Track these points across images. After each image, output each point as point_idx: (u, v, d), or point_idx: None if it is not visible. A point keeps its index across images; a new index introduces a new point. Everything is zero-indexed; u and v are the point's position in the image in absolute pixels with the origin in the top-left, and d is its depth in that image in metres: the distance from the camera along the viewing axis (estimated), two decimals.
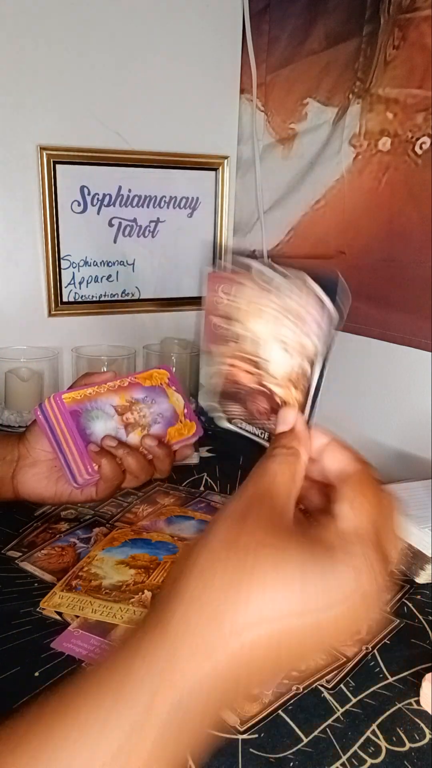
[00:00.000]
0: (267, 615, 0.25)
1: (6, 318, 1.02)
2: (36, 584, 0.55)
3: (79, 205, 1.01)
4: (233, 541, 0.27)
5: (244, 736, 0.40)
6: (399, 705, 0.43)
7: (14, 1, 0.89)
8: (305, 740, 0.40)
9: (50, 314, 1.04)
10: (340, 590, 0.26)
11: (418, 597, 0.56)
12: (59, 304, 1.04)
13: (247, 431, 0.41)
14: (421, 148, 0.74)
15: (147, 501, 0.72)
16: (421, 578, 0.58)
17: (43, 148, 0.95)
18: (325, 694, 0.44)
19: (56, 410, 0.59)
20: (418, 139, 0.74)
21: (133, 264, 1.09)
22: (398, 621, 0.53)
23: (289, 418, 0.35)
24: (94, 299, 1.07)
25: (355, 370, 0.89)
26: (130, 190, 1.04)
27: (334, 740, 0.40)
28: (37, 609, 0.52)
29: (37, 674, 0.44)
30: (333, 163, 0.88)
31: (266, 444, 0.38)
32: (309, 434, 0.34)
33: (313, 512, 0.35)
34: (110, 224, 1.05)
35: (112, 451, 0.59)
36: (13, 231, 0.99)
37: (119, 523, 0.67)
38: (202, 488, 0.76)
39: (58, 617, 0.51)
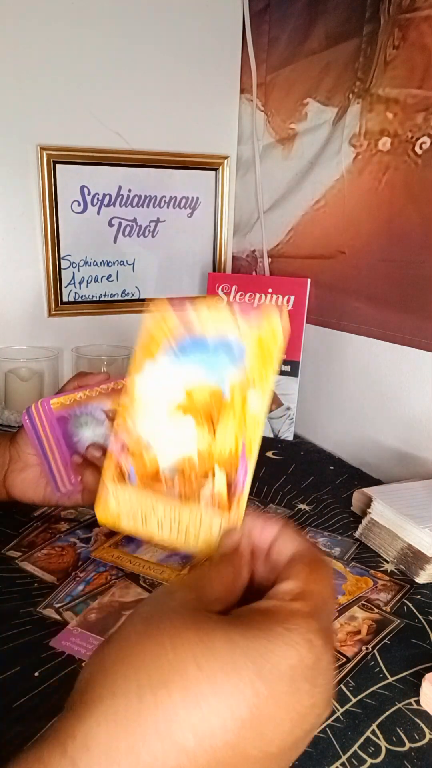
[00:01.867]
0: (194, 727, 0.21)
1: (6, 318, 1.02)
2: (36, 584, 0.55)
3: (79, 205, 1.01)
4: (149, 634, 0.23)
5: None
6: (399, 705, 0.43)
7: (14, 1, 0.89)
8: None
9: (50, 314, 1.04)
10: (280, 674, 0.22)
11: (418, 597, 0.56)
12: (59, 304, 1.04)
13: None
14: (421, 148, 0.74)
15: None
16: (421, 578, 0.58)
17: (43, 148, 0.95)
18: None
19: (43, 417, 0.58)
20: (418, 139, 0.74)
21: (133, 264, 1.09)
22: (398, 621, 0.53)
23: (234, 539, 0.32)
24: (94, 299, 1.07)
25: (355, 370, 0.89)
26: (130, 190, 1.04)
27: (333, 740, 0.40)
28: (38, 609, 0.52)
29: (37, 674, 0.44)
30: (333, 163, 0.88)
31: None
32: (247, 552, 0.32)
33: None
34: (110, 224, 1.05)
35: (96, 462, 0.57)
36: (13, 231, 0.99)
37: None
38: None
39: (58, 617, 0.51)
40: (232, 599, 0.28)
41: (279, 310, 0.33)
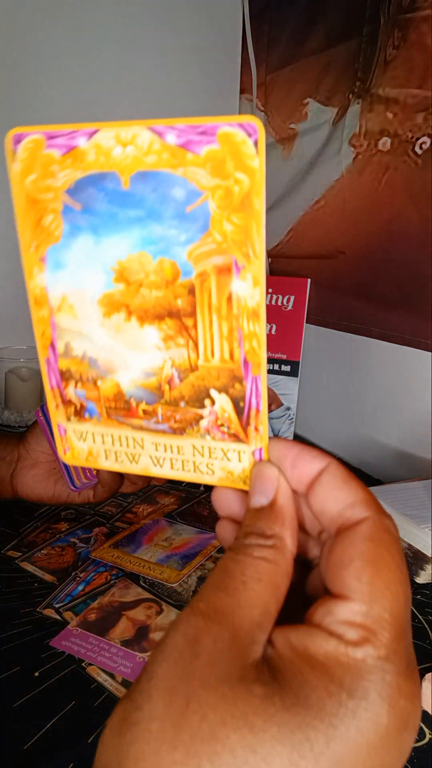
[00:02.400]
0: None
1: (6, 318, 1.02)
2: (36, 584, 0.55)
3: None
4: (177, 724, 0.17)
5: None
6: None
7: (14, 1, 0.89)
8: None
9: None
10: (356, 761, 0.17)
11: (418, 597, 0.56)
12: None
13: None
14: (421, 148, 0.74)
15: (147, 500, 0.72)
16: (421, 578, 0.58)
17: None
18: None
19: None
20: (418, 139, 0.74)
21: None
22: None
23: (267, 485, 0.23)
24: None
25: (355, 370, 0.89)
26: None
27: None
28: (37, 609, 0.52)
29: (37, 674, 0.44)
30: (333, 163, 0.88)
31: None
32: (294, 504, 0.23)
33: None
34: None
35: None
36: (13, 231, 0.98)
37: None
38: (202, 488, 0.76)
39: (58, 617, 0.51)
40: (275, 614, 0.21)
41: (248, 131, 0.20)
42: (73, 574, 0.57)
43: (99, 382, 0.26)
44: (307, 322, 0.96)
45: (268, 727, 0.17)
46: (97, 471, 0.60)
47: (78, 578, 0.56)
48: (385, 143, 0.79)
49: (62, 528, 0.65)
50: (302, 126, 0.94)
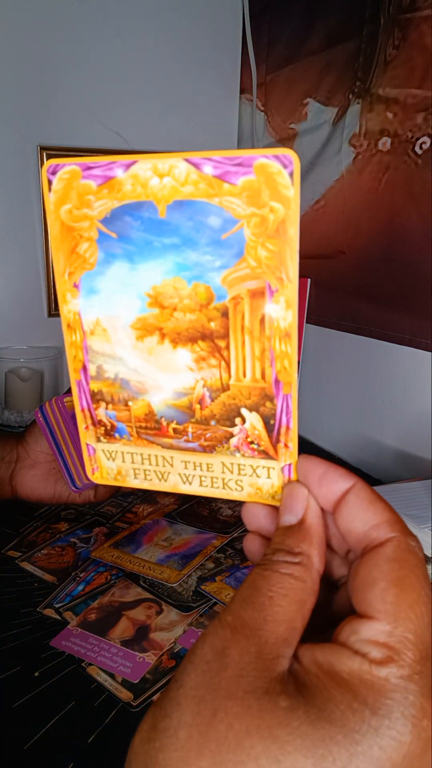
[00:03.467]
0: None
1: (6, 318, 1.02)
2: (36, 584, 0.55)
3: None
4: (204, 732, 0.18)
5: None
6: None
7: (14, 1, 0.89)
8: None
9: (50, 314, 1.04)
10: None
11: None
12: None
13: None
14: (421, 148, 0.74)
15: (147, 500, 0.72)
16: None
17: (43, 148, 0.95)
18: None
19: (57, 414, 0.59)
20: (418, 139, 0.74)
21: None
22: None
23: (297, 505, 0.24)
24: None
25: (355, 370, 0.89)
26: None
27: None
28: (37, 609, 0.52)
29: (37, 674, 0.44)
30: (333, 163, 0.88)
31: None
32: (323, 524, 0.24)
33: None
34: None
35: None
36: (12, 231, 0.99)
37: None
38: None
39: (58, 617, 0.51)
40: (301, 630, 0.21)
41: (284, 163, 0.21)
42: (73, 574, 0.57)
43: (130, 403, 0.27)
44: (307, 322, 0.96)
45: (291, 739, 0.17)
46: None
47: (78, 578, 0.56)
48: (385, 143, 0.79)
49: (62, 528, 0.65)
50: (302, 126, 0.94)
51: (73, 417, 0.60)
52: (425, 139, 0.73)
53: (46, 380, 1.01)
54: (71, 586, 0.55)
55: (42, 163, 0.96)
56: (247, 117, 1.07)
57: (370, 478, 0.84)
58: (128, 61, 0.99)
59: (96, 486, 0.61)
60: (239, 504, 0.77)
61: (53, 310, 1.04)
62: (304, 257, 0.97)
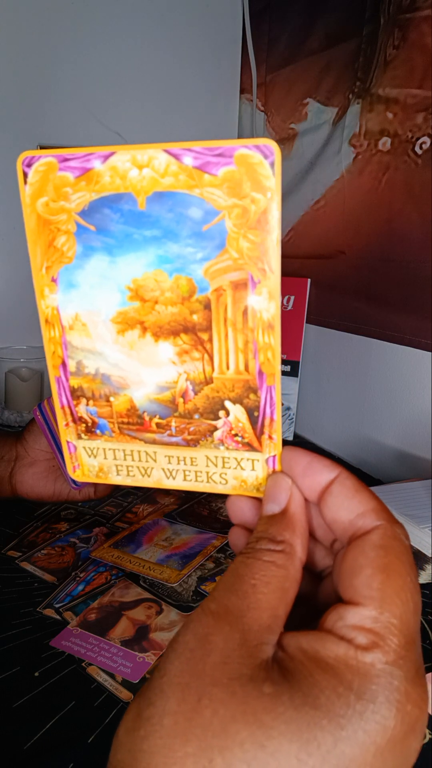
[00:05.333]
0: None
1: (6, 318, 1.02)
2: (36, 584, 0.55)
3: None
4: (189, 718, 0.18)
5: None
6: None
7: (14, 1, 0.89)
8: None
9: None
10: (363, 764, 0.18)
11: None
12: None
13: None
14: (421, 148, 0.74)
15: (147, 500, 0.72)
16: (422, 578, 0.58)
17: (43, 148, 0.95)
18: None
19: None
20: (418, 139, 0.74)
21: None
22: None
23: (281, 494, 0.24)
24: None
25: (355, 370, 0.89)
26: None
27: None
28: (37, 609, 0.52)
29: (37, 674, 0.44)
30: (333, 163, 0.88)
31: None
32: (306, 513, 0.24)
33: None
34: None
35: None
36: (12, 231, 0.99)
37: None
38: None
39: (58, 617, 0.51)
40: (284, 618, 0.21)
41: (265, 153, 0.21)
42: (73, 574, 0.57)
43: (111, 399, 0.27)
44: (307, 322, 0.96)
45: (276, 724, 0.18)
46: None
47: (78, 578, 0.56)
48: (385, 143, 0.79)
49: (62, 528, 0.65)
50: (302, 126, 0.94)
51: None
52: (425, 139, 0.73)
53: (46, 380, 1.01)
54: (71, 586, 0.55)
55: None
56: (247, 117, 1.07)
57: (370, 478, 0.84)
58: (128, 61, 0.99)
59: (96, 483, 0.61)
60: None
61: None
62: (304, 257, 0.97)
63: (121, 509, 0.70)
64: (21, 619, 0.50)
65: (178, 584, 0.55)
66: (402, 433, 0.82)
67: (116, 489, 0.65)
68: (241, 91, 1.07)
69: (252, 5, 1.00)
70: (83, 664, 0.45)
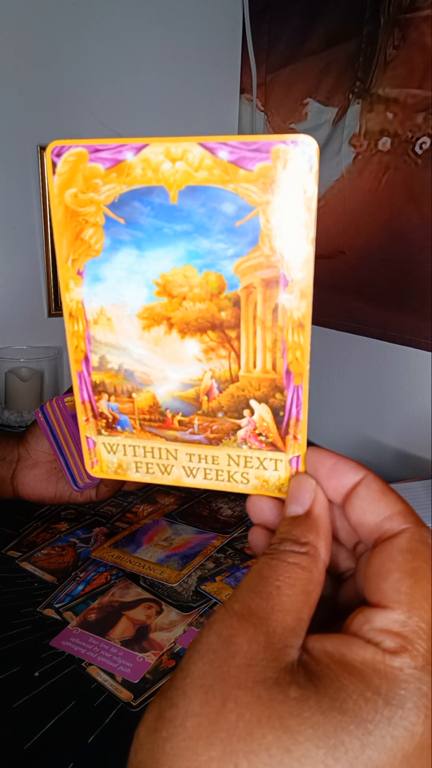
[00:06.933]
0: None
1: (6, 318, 1.02)
2: (36, 584, 0.55)
3: None
4: (214, 721, 0.18)
5: None
6: None
7: (14, 1, 0.89)
8: None
9: (50, 314, 1.04)
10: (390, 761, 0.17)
11: None
12: (59, 304, 1.04)
13: None
14: (421, 148, 0.74)
15: (147, 500, 0.72)
16: None
17: (42, 148, 0.95)
18: None
19: (58, 413, 0.60)
20: (418, 139, 0.74)
21: None
22: None
23: (305, 496, 0.24)
24: None
25: (355, 370, 0.89)
26: None
27: None
28: (37, 609, 0.52)
29: (37, 674, 0.44)
30: (333, 163, 0.88)
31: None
32: (329, 515, 0.23)
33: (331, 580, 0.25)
34: None
35: None
36: (12, 231, 0.99)
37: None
38: None
39: (58, 617, 0.51)
40: (308, 621, 0.21)
41: (303, 149, 0.21)
42: (73, 574, 0.57)
43: (134, 395, 0.27)
44: None
45: (303, 729, 0.17)
46: None
47: (78, 578, 0.56)
48: (385, 143, 0.79)
49: (62, 528, 0.65)
50: (302, 126, 0.94)
51: (74, 416, 0.60)
52: (425, 139, 0.73)
53: (46, 380, 1.01)
54: (71, 586, 0.55)
55: (42, 163, 0.96)
56: (247, 117, 1.07)
57: None
58: (128, 61, 0.99)
59: (98, 485, 0.61)
60: (239, 504, 0.76)
61: (53, 310, 1.04)
62: None
63: (121, 509, 0.70)
64: (21, 619, 0.50)
65: (178, 584, 0.55)
66: (402, 433, 0.82)
67: (117, 490, 0.64)
68: (241, 91, 1.07)
69: (252, 5, 1.00)
70: (83, 664, 0.45)
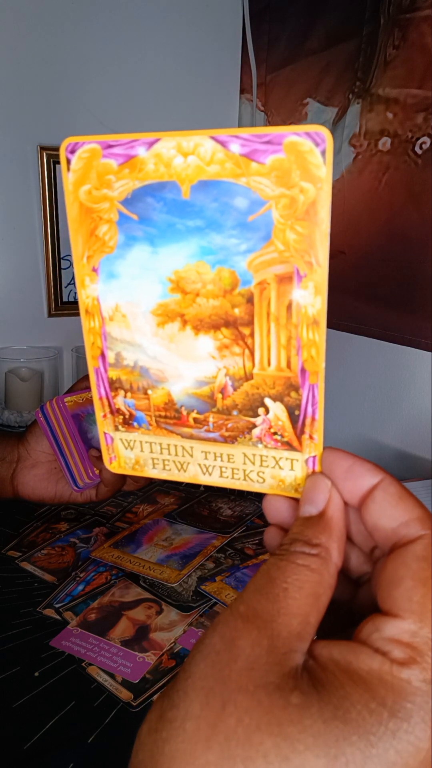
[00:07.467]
0: None
1: (6, 318, 1.02)
2: (36, 584, 0.55)
3: None
4: (212, 725, 0.17)
5: None
6: None
7: (14, 1, 0.89)
8: None
9: (50, 314, 1.04)
10: None
11: None
12: (59, 304, 1.04)
13: None
14: (421, 148, 0.74)
15: (147, 500, 0.72)
16: None
17: (43, 148, 0.95)
18: None
19: (58, 413, 0.60)
20: (418, 139, 0.74)
21: None
22: None
23: (319, 496, 0.23)
24: None
25: (355, 370, 0.89)
26: None
27: None
28: (37, 609, 0.52)
29: (37, 674, 0.44)
30: (333, 163, 0.88)
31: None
32: (344, 517, 0.23)
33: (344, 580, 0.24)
34: None
35: None
36: (12, 231, 0.99)
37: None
38: (202, 488, 0.76)
39: (58, 617, 0.51)
40: (315, 625, 0.20)
41: (316, 141, 0.20)
42: (73, 574, 0.57)
43: (149, 392, 0.27)
44: None
45: (303, 737, 0.17)
46: (100, 470, 0.60)
47: (78, 578, 0.56)
48: (385, 143, 0.79)
49: (62, 528, 0.65)
50: None
51: (74, 417, 0.60)
52: (425, 139, 0.73)
53: (46, 380, 1.01)
54: (71, 586, 0.55)
55: (42, 163, 0.96)
56: (247, 117, 1.07)
57: None
58: (128, 61, 0.98)
59: (97, 485, 0.61)
60: (239, 504, 0.76)
61: (53, 310, 1.04)
62: None
63: (121, 509, 0.70)
64: (21, 619, 0.50)
65: (178, 584, 0.55)
66: (402, 433, 0.82)
67: (117, 490, 0.64)
68: (241, 91, 1.07)
69: (252, 5, 1.00)
70: (83, 664, 0.45)
